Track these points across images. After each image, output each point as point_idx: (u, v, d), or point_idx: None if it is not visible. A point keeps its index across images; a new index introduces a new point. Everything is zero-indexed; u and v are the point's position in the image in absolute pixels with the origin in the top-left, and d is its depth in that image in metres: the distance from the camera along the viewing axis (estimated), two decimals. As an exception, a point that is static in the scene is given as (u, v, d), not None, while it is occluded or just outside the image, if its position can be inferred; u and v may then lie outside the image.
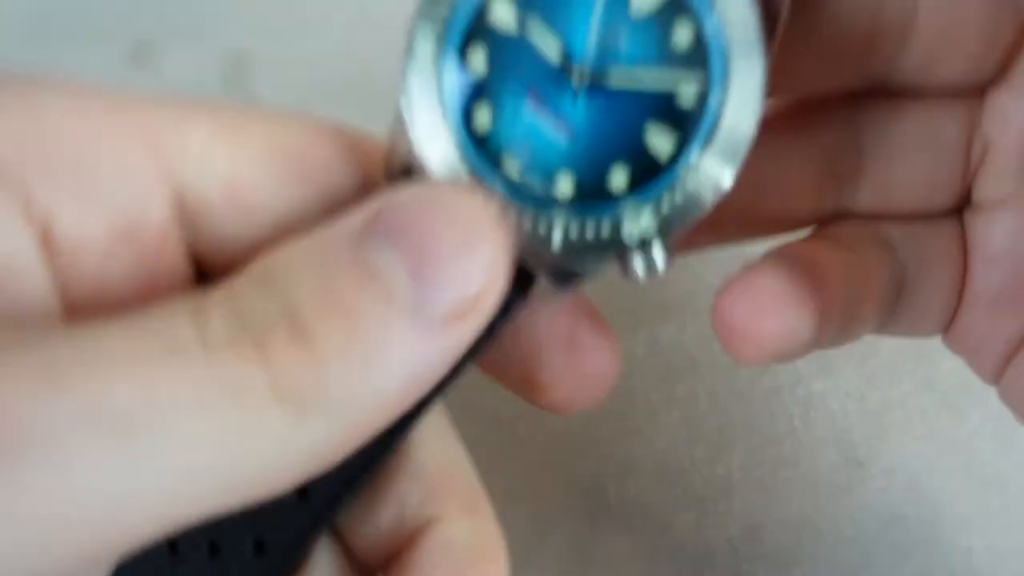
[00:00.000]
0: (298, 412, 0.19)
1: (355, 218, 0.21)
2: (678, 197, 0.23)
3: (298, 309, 0.19)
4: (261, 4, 0.45)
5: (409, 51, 0.24)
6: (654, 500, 0.34)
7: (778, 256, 0.25)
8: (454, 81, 0.24)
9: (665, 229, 0.23)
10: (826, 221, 0.27)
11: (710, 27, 0.23)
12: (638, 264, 0.23)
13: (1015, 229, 0.26)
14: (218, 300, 0.19)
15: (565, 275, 0.23)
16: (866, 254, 0.26)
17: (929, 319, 0.27)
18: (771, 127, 0.24)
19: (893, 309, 0.26)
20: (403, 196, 0.21)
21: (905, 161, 0.26)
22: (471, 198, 0.21)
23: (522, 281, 0.23)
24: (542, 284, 0.23)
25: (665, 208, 0.23)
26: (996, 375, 0.27)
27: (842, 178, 0.26)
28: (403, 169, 0.24)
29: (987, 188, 0.27)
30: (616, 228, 0.23)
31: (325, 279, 0.20)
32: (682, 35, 0.23)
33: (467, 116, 0.24)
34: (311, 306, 0.19)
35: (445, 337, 0.20)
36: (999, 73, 0.25)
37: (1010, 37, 0.25)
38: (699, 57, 0.23)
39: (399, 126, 0.24)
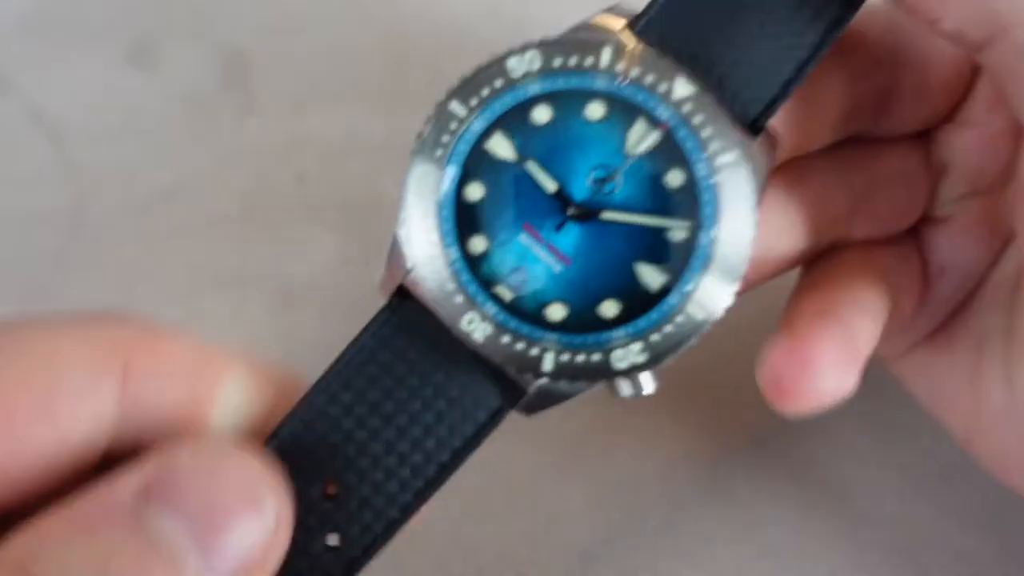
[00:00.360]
0: None
1: (129, 479, 0.20)
2: (670, 327, 0.24)
3: None
4: (261, 4, 0.45)
5: (409, 178, 0.25)
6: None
7: (823, 315, 0.27)
8: (451, 207, 0.25)
9: (656, 359, 0.24)
10: (823, 253, 0.30)
11: (701, 171, 0.24)
12: (625, 388, 0.24)
13: (962, 244, 0.30)
14: None
15: (551, 394, 0.25)
16: (875, 290, 0.28)
17: (891, 333, 0.30)
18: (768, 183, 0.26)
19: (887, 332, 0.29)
20: (180, 457, 0.21)
21: (889, 194, 0.30)
22: (248, 458, 0.21)
23: (512, 393, 0.25)
24: (528, 397, 0.25)
25: (656, 340, 0.24)
26: (894, 357, 0.32)
27: (839, 215, 0.29)
28: (397, 292, 0.25)
29: (940, 205, 0.31)
30: (606, 357, 0.24)
31: (100, 558, 0.19)
32: (674, 178, 0.24)
33: (462, 241, 0.24)
34: None
35: None
36: (949, 114, 0.30)
37: (963, 87, 0.29)
38: (691, 198, 0.24)
39: (396, 249, 0.25)
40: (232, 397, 0.24)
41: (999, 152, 0.29)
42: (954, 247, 0.31)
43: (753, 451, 0.35)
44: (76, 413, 0.22)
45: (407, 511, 0.25)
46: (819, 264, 0.30)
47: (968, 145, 0.29)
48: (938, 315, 0.31)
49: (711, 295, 0.24)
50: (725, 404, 0.35)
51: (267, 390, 0.24)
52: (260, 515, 0.20)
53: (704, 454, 0.35)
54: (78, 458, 0.22)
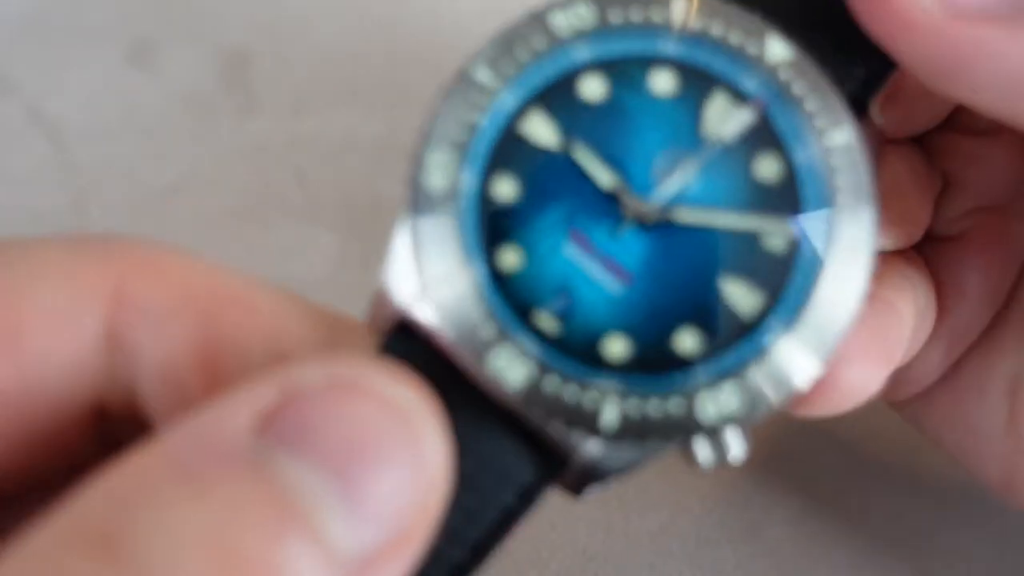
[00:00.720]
0: None
1: (237, 411, 0.14)
2: (766, 370, 0.18)
3: None
4: (261, 4, 0.45)
5: (416, 173, 0.18)
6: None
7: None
8: (474, 210, 0.18)
9: (754, 407, 0.18)
10: None
11: (802, 161, 0.19)
12: (704, 452, 0.18)
13: (978, 264, 0.27)
14: None
15: (606, 464, 0.18)
16: (906, 294, 0.25)
17: (916, 368, 0.27)
18: None
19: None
20: (310, 380, 0.15)
21: (903, 201, 0.26)
22: (399, 384, 0.15)
23: (552, 462, 0.18)
24: (579, 466, 0.18)
25: (752, 383, 0.18)
26: (908, 400, 0.28)
27: None
28: (395, 326, 0.18)
29: (947, 221, 0.27)
30: (688, 407, 0.18)
31: (217, 523, 0.13)
32: (768, 168, 0.19)
33: (489, 254, 0.18)
34: None
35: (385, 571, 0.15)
36: (949, 116, 0.26)
37: None
38: (792, 192, 0.19)
39: (395, 268, 0.18)
40: (272, 332, 0.18)
41: (1009, 162, 0.26)
42: (967, 269, 0.27)
43: (753, 450, 0.35)
44: (49, 348, 0.17)
45: None
46: None
47: (973, 153, 0.26)
48: (955, 349, 0.27)
49: (798, 355, 0.18)
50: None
51: (312, 328, 0.18)
52: (420, 461, 0.15)
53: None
54: (59, 414, 0.17)
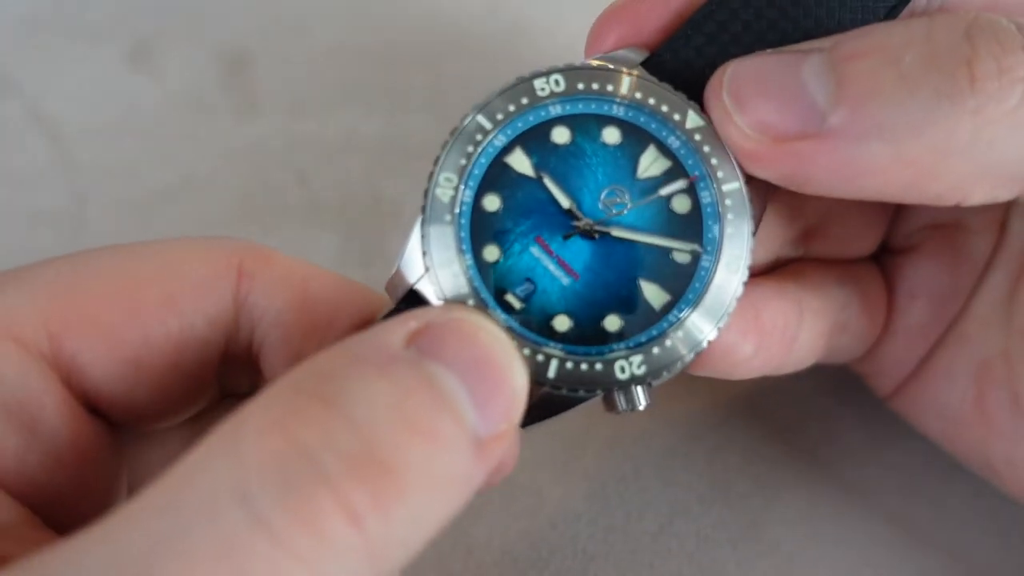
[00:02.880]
0: (369, 550, 0.19)
1: (392, 330, 0.21)
2: (669, 342, 0.25)
3: (376, 437, 0.19)
4: (261, 4, 0.45)
5: (430, 188, 0.25)
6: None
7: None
8: (468, 216, 0.25)
9: (654, 372, 0.25)
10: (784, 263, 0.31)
11: (706, 200, 0.26)
12: (620, 400, 0.25)
13: (930, 271, 0.31)
14: (269, 448, 0.19)
15: (550, 403, 0.25)
16: (817, 292, 0.30)
17: (858, 347, 0.32)
18: None
19: (838, 341, 0.31)
20: (442, 315, 0.22)
21: (847, 216, 0.31)
22: (497, 327, 0.22)
23: None
24: (529, 404, 0.25)
25: (656, 353, 0.25)
26: (890, 393, 0.33)
27: (792, 239, 0.31)
28: (406, 295, 0.25)
29: (902, 236, 0.32)
30: (609, 367, 0.25)
31: (397, 395, 0.20)
32: (681, 204, 0.26)
33: (477, 248, 0.25)
34: (389, 427, 0.19)
35: (491, 459, 0.21)
36: None
37: None
38: (695, 223, 0.26)
39: (409, 255, 0.25)
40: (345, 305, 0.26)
41: None
42: (921, 274, 0.32)
43: (753, 451, 0.35)
44: (197, 307, 0.25)
45: None
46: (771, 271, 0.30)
47: None
48: (923, 342, 0.32)
49: (701, 326, 0.25)
50: (724, 405, 0.35)
51: (360, 295, 0.26)
52: (518, 381, 0.21)
53: (703, 454, 0.35)
54: (202, 354, 0.23)
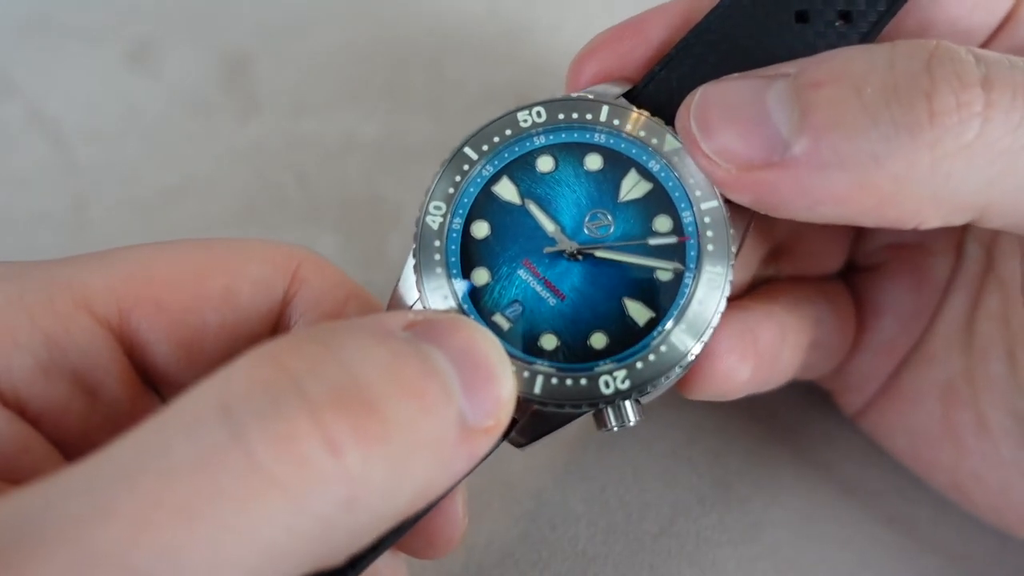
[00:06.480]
0: (349, 500, 0.19)
1: (391, 316, 0.22)
2: (653, 356, 0.26)
3: (364, 378, 0.20)
4: (261, 4, 0.45)
5: (421, 216, 0.27)
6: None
7: (730, 316, 0.28)
8: (458, 242, 0.27)
9: (638, 387, 0.26)
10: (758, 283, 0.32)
11: (687, 219, 0.27)
12: (610, 417, 0.26)
13: (894, 289, 0.32)
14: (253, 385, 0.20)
15: (541, 420, 0.26)
16: (794, 311, 0.30)
17: (829, 363, 0.32)
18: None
19: (811, 357, 0.31)
20: (439, 315, 0.24)
21: (811, 234, 0.32)
22: (493, 336, 0.23)
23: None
24: (521, 423, 0.26)
25: (640, 368, 0.26)
26: (859, 411, 0.34)
27: (773, 253, 0.31)
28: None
29: (866, 254, 0.33)
30: (594, 383, 0.26)
31: (390, 360, 0.21)
32: (662, 224, 0.27)
33: (467, 273, 0.27)
34: (379, 377, 0.20)
35: (474, 450, 0.22)
36: None
37: None
38: (677, 244, 0.27)
39: (405, 280, 0.27)
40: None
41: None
42: (886, 292, 0.32)
43: (753, 452, 0.35)
44: (252, 302, 0.27)
45: (391, 541, 0.25)
46: (751, 291, 0.31)
47: None
48: (890, 359, 0.32)
49: (684, 342, 0.26)
50: (724, 406, 0.35)
51: (375, 307, 0.28)
52: (507, 384, 0.22)
53: (704, 455, 0.35)
54: (249, 345, 0.24)
